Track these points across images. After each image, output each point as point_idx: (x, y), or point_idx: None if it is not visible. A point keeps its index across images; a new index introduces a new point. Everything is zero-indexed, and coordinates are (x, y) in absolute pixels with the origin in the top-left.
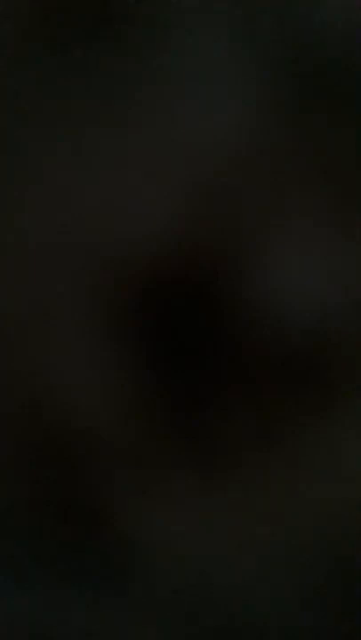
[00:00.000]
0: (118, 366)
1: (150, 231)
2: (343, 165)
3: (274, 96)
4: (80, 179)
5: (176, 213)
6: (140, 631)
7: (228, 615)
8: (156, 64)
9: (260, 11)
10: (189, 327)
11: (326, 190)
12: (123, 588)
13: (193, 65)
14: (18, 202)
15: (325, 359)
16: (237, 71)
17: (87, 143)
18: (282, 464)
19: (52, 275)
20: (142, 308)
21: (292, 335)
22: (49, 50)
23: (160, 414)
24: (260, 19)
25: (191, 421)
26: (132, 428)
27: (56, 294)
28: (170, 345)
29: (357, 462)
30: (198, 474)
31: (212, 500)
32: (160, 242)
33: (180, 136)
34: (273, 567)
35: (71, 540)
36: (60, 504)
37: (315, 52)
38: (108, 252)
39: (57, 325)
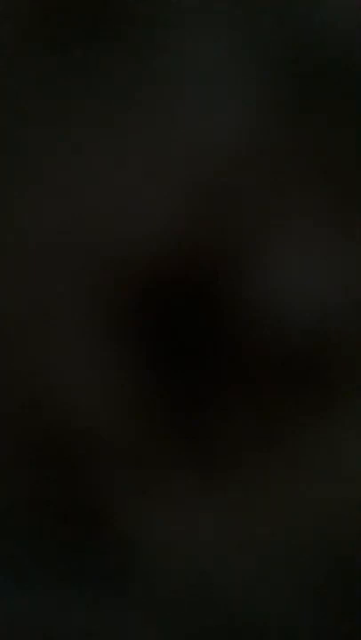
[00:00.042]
0: (118, 366)
1: (150, 231)
2: (343, 165)
3: (274, 96)
4: (80, 179)
5: (176, 213)
6: (140, 631)
7: (228, 615)
8: (156, 64)
9: (260, 11)
10: (189, 327)
11: (326, 190)
12: (123, 587)
13: (193, 65)
14: (18, 202)
15: (325, 359)
16: (237, 71)
17: (87, 143)
18: (282, 464)
19: (52, 275)
20: (142, 308)
21: (292, 335)
22: (49, 50)
23: (160, 414)
24: (260, 19)
25: (191, 421)
26: (132, 428)
27: (56, 294)
28: (170, 345)
29: (357, 462)
30: (198, 474)
31: (212, 499)
32: (160, 242)
33: (180, 136)
34: (273, 567)
35: (71, 540)
36: (60, 504)
37: (315, 52)
38: (108, 251)
39: (57, 325)
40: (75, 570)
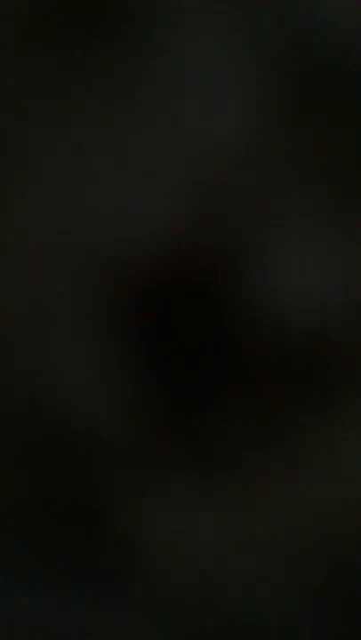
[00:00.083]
0: (118, 366)
1: (150, 231)
2: (343, 165)
3: (274, 96)
4: (80, 179)
5: (176, 213)
6: (140, 631)
7: (228, 615)
8: (156, 64)
9: (260, 11)
10: (189, 327)
11: (326, 190)
12: (123, 587)
13: (193, 65)
14: (18, 202)
15: (325, 359)
16: (237, 71)
17: (87, 143)
18: (282, 464)
19: (52, 275)
20: (142, 308)
21: (292, 335)
22: (49, 50)
23: (160, 414)
24: (260, 19)
25: (191, 421)
26: (132, 427)
27: (56, 294)
28: (170, 345)
29: (357, 462)
30: (198, 474)
31: (212, 499)
32: (160, 242)
33: (180, 136)
34: (273, 567)
35: (71, 540)
36: (60, 504)
37: (315, 52)
38: (108, 251)
39: (57, 325)
40: (75, 570)
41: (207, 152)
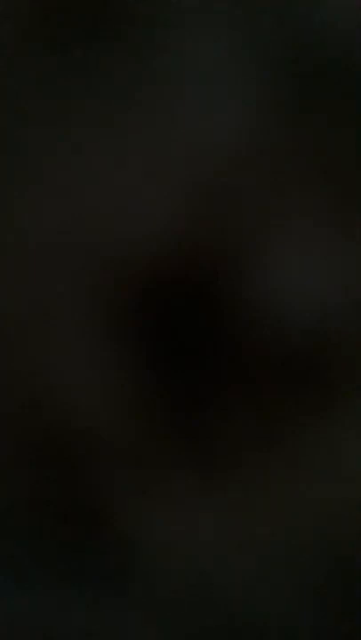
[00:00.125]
0: (118, 366)
1: (150, 231)
2: (343, 165)
3: (274, 96)
4: (80, 179)
5: (176, 213)
6: (140, 631)
7: (228, 615)
8: (156, 64)
9: (260, 11)
10: (189, 327)
11: (326, 190)
12: (123, 587)
13: (193, 65)
14: (18, 202)
15: (325, 359)
16: (237, 71)
17: (87, 143)
18: (282, 464)
19: (52, 275)
20: (142, 308)
21: (292, 335)
22: (49, 50)
23: (160, 414)
24: (260, 19)
25: (191, 421)
26: (132, 428)
27: (56, 294)
28: (170, 345)
29: (357, 462)
30: (198, 474)
31: (212, 499)
32: (160, 242)
33: (180, 136)
34: (273, 567)
35: (71, 540)
36: (60, 504)
37: (315, 52)
38: (108, 251)
39: (57, 325)
40: (75, 570)
41: (207, 152)
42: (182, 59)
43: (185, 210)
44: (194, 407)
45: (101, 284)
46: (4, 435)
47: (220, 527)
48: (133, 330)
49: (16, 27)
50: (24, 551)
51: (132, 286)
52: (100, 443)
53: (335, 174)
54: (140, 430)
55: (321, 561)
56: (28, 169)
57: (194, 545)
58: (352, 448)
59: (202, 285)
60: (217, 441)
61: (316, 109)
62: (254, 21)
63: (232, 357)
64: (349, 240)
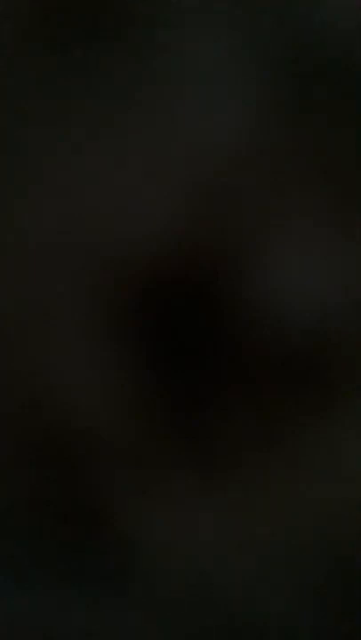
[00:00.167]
0: (118, 366)
1: (150, 231)
2: (343, 165)
3: (274, 96)
4: (80, 179)
5: (176, 213)
6: (140, 631)
7: (228, 615)
8: (156, 64)
9: (260, 11)
10: (189, 327)
11: (326, 190)
12: (123, 587)
13: (193, 65)
14: (18, 202)
15: (325, 359)
16: (237, 71)
17: (87, 143)
18: (282, 464)
19: (52, 275)
20: (142, 308)
21: (292, 335)
22: (49, 50)
23: (160, 414)
24: (260, 19)
25: (191, 421)
26: (132, 428)
27: (56, 294)
28: (170, 345)
29: (357, 462)
30: (198, 474)
31: (212, 499)
32: (160, 242)
33: (180, 136)
34: (273, 567)
35: (71, 540)
36: (60, 504)
37: (315, 52)
38: (108, 251)
39: (57, 325)
40: (75, 570)
41: (207, 152)
42: (182, 59)
43: (185, 210)
44: (194, 407)
45: (101, 284)
46: (4, 435)
47: (220, 527)
48: (133, 330)
49: (16, 27)
50: (24, 551)
51: (132, 286)
52: (100, 443)
53: (335, 174)
54: (140, 430)
55: (321, 561)
56: (28, 169)
57: (194, 545)
58: (352, 448)
59: (202, 285)
60: (217, 441)
61: (316, 109)
62: (254, 21)
63: (232, 357)
64: (349, 240)
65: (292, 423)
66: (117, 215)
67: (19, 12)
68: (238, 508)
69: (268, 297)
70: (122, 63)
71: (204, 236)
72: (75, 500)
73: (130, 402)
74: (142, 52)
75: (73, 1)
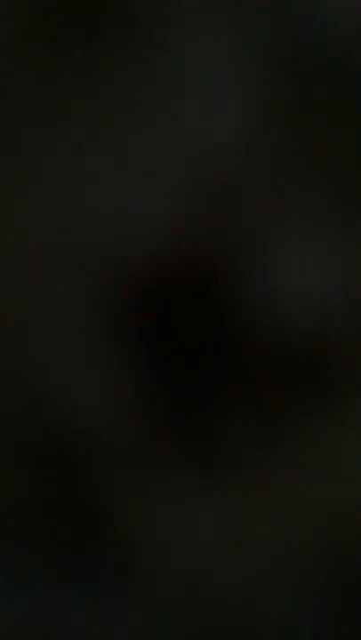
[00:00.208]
0: (118, 366)
1: (150, 231)
2: (343, 165)
3: (274, 96)
4: (80, 179)
5: (176, 213)
6: (140, 631)
7: (228, 615)
8: (156, 64)
9: (260, 11)
10: (189, 327)
11: (326, 190)
12: (123, 587)
13: (193, 65)
14: (18, 202)
15: (325, 359)
16: (237, 71)
17: (87, 143)
18: (282, 464)
19: (52, 275)
20: (142, 308)
21: (292, 335)
22: (49, 50)
23: (160, 414)
24: (260, 19)
25: (191, 421)
26: (132, 428)
27: (56, 294)
28: (170, 345)
29: (357, 462)
30: (198, 474)
31: (212, 499)
32: (160, 242)
33: (180, 136)
34: (273, 567)
35: (71, 540)
36: (60, 504)
37: (315, 52)
38: (108, 251)
39: (57, 325)
40: (75, 570)
41: (207, 152)
42: (182, 59)
43: (185, 210)
44: (194, 407)
45: (101, 284)
46: (4, 435)
47: (220, 527)
48: (133, 330)
49: (16, 27)
50: (24, 551)
51: (132, 286)
52: (100, 443)
53: (335, 174)
54: (140, 430)
55: (321, 561)
56: (28, 169)
57: (194, 545)
58: (352, 448)
59: (202, 285)
60: (217, 441)
61: (316, 109)
62: (254, 21)
63: (232, 357)
64: (349, 240)
65: (292, 423)
66: (117, 215)
67: (19, 12)
68: (238, 508)
69: (268, 297)
70: (122, 63)
71: (204, 236)
72: (75, 499)
73: (130, 402)
74: (142, 51)
75: (73, 1)
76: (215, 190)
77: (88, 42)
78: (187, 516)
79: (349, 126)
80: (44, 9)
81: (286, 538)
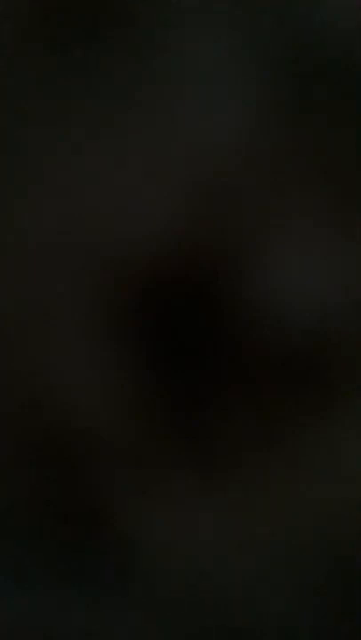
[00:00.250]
0: (118, 366)
1: (150, 231)
2: (343, 165)
3: (274, 96)
4: (80, 179)
5: (176, 213)
6: (140, 631)
7: (228, 615)
8: (156, 64)
9: (260, 11)
10: (189, 327)
11: (326, 190)
12: (123, 587)
13: (193, 65)
14: (18, 202)
15: (325, 359)
16: (237, 71)
17: (87, 143)
18: (282, 464)
19: (52, 275)
20: (142, 308)
21: (292, 335)
22: (49, 50)
23: (160, 414)
24: (260, 19)
25: (191, 421)
26: (132, 428)
27: (56, 294)
28: (170, 345)
29: (357, 462)
30: (198, 474)
31: (212, 499)
32: (160, 242)
33: (180, 136)
34: (273, 567)
35: (71, 540)
36: (60, 504)
37: (315, 52)
38: (108, 251)
39: (57, 325)
40: (75, 570)
41: (207, 152)
42: (182, 59)
43: (185, 210)
44: (194, 407)
45: (101, 284)
46: (4, 435)
47: (220, 527)
48: (133, 330)
49: (16, 27)
50: (24, 551)
51: (132, 286)
52: (100, 443)
53: (335, 174)
54: (140, 430)
55: (321, 561)
56: (28, 169)
57: (194, 545)
58: (352, 448)
59: (202, 285)
60: (217, 441)
61: (316, 109)
62: (254, 21)
63: (232, 357)
64: (349, 240)
65: (292, 423)
66: (117, 215)
67: (19, 12)
68: (238, 508)
69: (268, 297)
70: (122, 63)
71: (204, 236)
72: (75, 500)
73: (130, 402)
74: (142, 51)
75: (73, 1)
76: (215, 190)
77: (88, 42)
78: (187, 515)
79: (349, 126)
80: (44, 9)
81: (286, 538)
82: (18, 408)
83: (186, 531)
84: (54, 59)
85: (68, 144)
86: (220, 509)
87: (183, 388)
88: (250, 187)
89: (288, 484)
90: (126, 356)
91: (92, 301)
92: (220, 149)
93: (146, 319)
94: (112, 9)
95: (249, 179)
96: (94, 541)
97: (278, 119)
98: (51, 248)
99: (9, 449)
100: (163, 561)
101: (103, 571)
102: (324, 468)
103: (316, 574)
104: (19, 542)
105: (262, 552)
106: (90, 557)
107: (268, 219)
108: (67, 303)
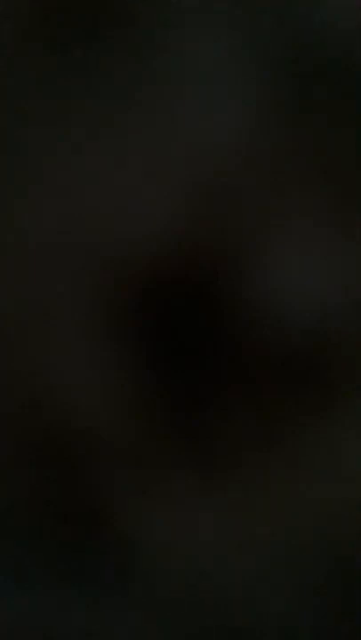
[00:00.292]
0: (118, 366)
1: (150, 231)
2: (343, 165)
3: (274, 96)
4: (80, 179)
5: (176, 213)
6: (140, 631)
7: (228, 615)
8: (156, 64)
9: (260, 11)
10: (189, 327)
11: (326, 190)
12: (123, 587)
13: (193, 65)
14: (18, 202)
15: (325, 359)
16: (237, 71)
17: (87, 143)
18: (282, 464)
19: (52, 275)
20: (142, 308)
21: (292, 335)
22: (49, 50)
23: (160, 414)
24: (260, 19)
25: (191, 421)
26: (132, 428)
27: (56, 294)
28: (170, 345)
29: (357, 462)
30: (198, 474)
31: (212, 499)
32: (160, 242)
33: (180, 136)
34: (273, 567)
35: (71, 540)
36: (60, 504)
37: (315, 52)
38: (108, 251)
39: (57, 325)
40: (75, 570)
41: (207, 152)
42: (182, 59)
43: (185, 210)
44: (194, 407)
45: (101, 284)
46: (4, 435)
47: (220, 527)
48: (133, 330)
49: (16, 27)
50: (24, 551)
51: (132, 286)
52: (100, 443)
53: (335, 174)
54: (140, 430)
55: (321, 561)
56: (28, 169)
57: (194, 545)
58: (352, 448)
59: (202, 285)
60: (217, 441)
61: (316, 109)
62: (254, 21)
63: (232, 357)
64: (349, 240)
65: (292, 423)
66: (117, 215)
67: (19, 12)
68: (238, 508)
69: (268, 297)
70: (122, 63)
71: (204, 236)
72: (75, 499)
73: (130, 402)
74: (142, 51)
75: (73, 1)
76: (215, 190)
77: (88, 42)
78: (187, 515)
79: (349, 126)
80: (44, 9)
81: (286, 538)
82: (18, 408)
83: (186, 531)
84: (54, 59)
85: (68, 144)
86: (220, 509)
87: (183, 388)
88: (250, 187)
89: (288, 484)
90: (126, 355)
91: (92, 301)
92: (220, 149)
93: (146, 319)
94: (112, 9)
95: (249, 179)
96: (94, 541)
97: (278, 119)
98: (51, 248)
99: (9, 449)
100: (163, 561)
101: (103, 571)
102: (324, 468)
103: (316, 574)
104: (19, 542)
105: (262, 552)
106: (90, 557)
107: (268, 219)
108: (67, 303)
